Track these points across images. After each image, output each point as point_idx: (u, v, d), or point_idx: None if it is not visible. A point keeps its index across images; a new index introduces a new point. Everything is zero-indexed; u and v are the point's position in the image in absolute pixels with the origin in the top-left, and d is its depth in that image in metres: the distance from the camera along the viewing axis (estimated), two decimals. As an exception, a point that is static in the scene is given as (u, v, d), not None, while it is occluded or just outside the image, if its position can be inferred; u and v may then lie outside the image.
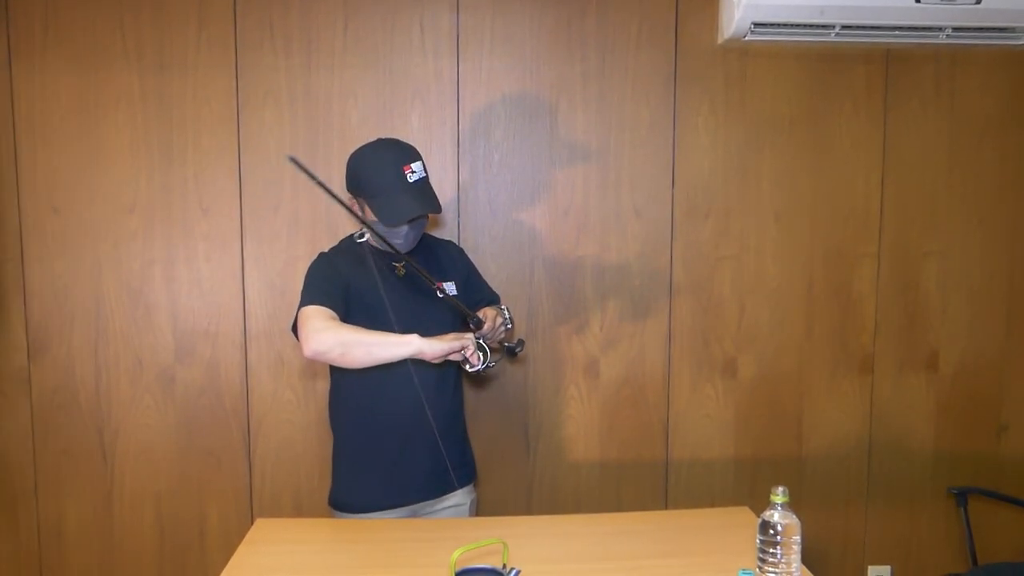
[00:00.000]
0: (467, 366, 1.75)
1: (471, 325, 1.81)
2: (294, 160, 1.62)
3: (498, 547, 1.55)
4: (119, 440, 2.43)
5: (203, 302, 2.42)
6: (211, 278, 2.42)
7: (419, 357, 1.68)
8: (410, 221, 1.80)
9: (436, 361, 1.70)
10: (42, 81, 2.34)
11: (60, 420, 2.42)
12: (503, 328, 1.92)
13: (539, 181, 2.47)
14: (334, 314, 1.74)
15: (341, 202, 1.73)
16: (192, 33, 2.35)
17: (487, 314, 1.86)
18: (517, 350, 1.89)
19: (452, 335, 1.71)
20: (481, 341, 1.77)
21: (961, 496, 2.36)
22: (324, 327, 1.68)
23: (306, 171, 1.61)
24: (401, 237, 1.83)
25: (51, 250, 2.38)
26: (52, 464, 2.43)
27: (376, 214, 1.80)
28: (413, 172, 1.78)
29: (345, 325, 1.72)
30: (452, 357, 1.70)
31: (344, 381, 1.92)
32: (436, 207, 1.81)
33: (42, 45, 2.33)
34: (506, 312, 1.96)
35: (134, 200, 2.39)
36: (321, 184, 1.63)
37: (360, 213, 1.85)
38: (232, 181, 2.40)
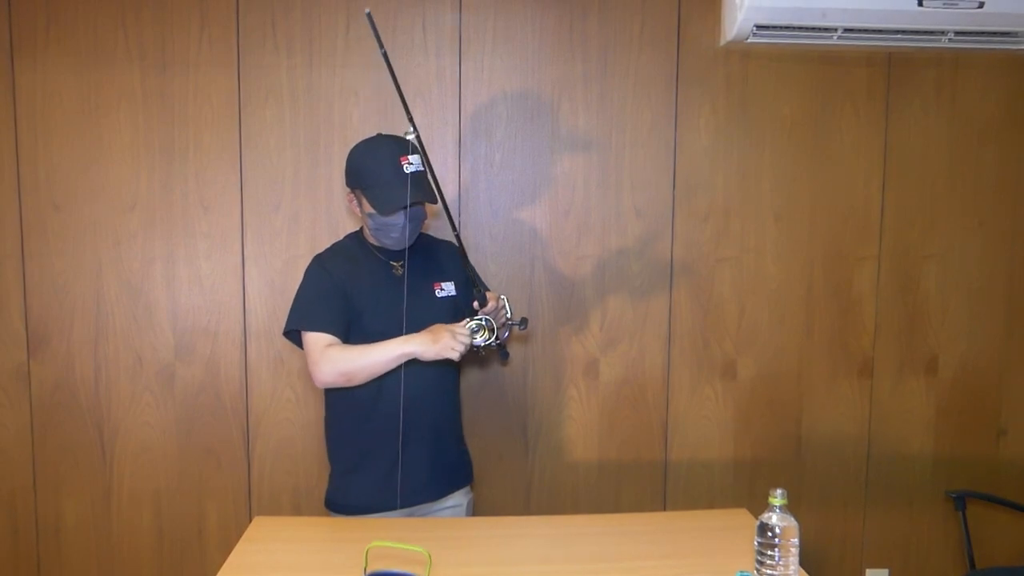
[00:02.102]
0: (472, 342, 1.75)
1: (475, 302, 1.80)
2: (370, 17, 1.67)
3: (423, 557, 1.47)
4: (118, 438, 2.43)
5: (203, 300, 2.42)
6: (211, 276, 2.42)
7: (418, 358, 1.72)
8: (405, 209, 1.79)
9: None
10: (44, 78, 2.34)
11: (59, 417, 2.42)
12: (504, 315, 1.89)
13: (540, 181, 2.47)
14: (333, 339, 1.79)
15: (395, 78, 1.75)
16: (194, 32, 2.36)
17: (489, 296, 1.84)
18: (521, 327, 1.88)
19: (439, 326, 1.74)
20: (488, 318, 1.78)
21: (959, 500, 2.36)
22: (325, 360, 1.76)
23: (377, 35, 1.68)
24: (398, 231, 1.83)
25: (52, 247, 2.38)
26: (51, 461, 2.43)
27: (372, 204, 1.81)
28: (410, 164, 1.79)
29: (342, 352, 1.77)
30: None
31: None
32: (432, 197, 1.81)
33: (44, 43, 2.33)
34: (505, 301, 1.90)
35: (135, 198, 2.39)
36: (386, 57, 1.71)
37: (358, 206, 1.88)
38: (233, 179, 2.40)
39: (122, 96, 2.36)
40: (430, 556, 1.47)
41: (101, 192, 2.38)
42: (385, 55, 1.71)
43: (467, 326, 1.75)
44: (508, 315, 1.91)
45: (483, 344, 1.77)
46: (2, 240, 2.37)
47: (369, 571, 1.43)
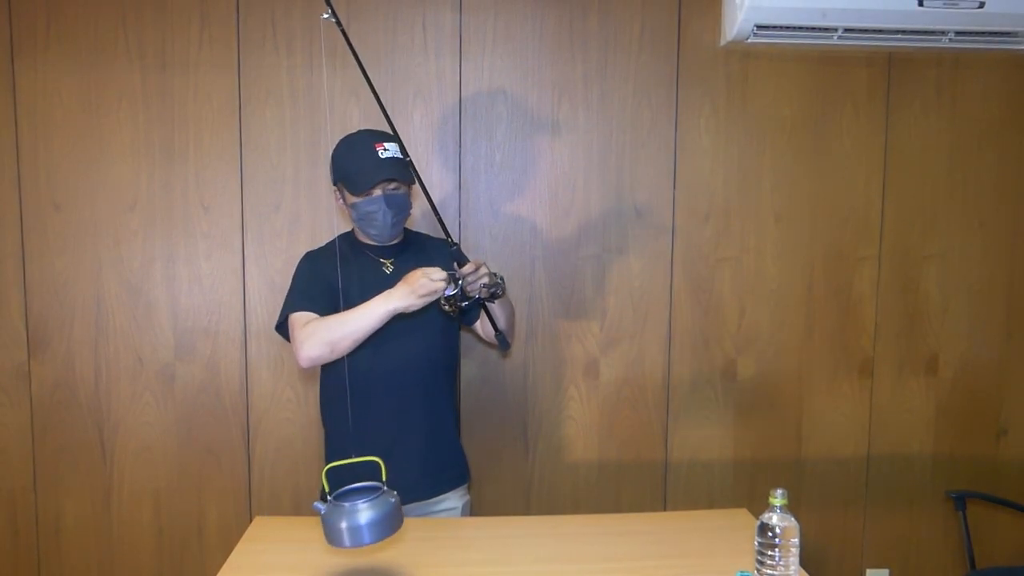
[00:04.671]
0: (440, 297, 1.72)
1: (454, 263, 1.77)
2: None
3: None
4: (118, 437, 2.43)
5: (203, 300, 2.42)
6: (212, 276, 2.42)
7: (401, 312, 1.68)
8: (383, 192, 1.80)
9: (418, 307, 1.69)
10: (44, 78, 2.34)
11: (60, 417, 2.42)
12: (496, 284, 1.81)
13: (540, 181, 2.47)
14: (313, 315, 1.77)
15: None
16: (194, 31, 2.36)
17: (475, 261, 1.79)
18: (497, 291, 1.81)
19: (411, 273, 1.69)
20: (459, 279, 1.73)
21: (960, 500, 2.36)
22: (306, 335, 1.73)
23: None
24: (379, 218, 1.83)
25: (52, 247, 2.38)
26: (51, 461, 2.43)
27: (351, 191, 1.82)
28: (386, 150, 1.81)
29: (321, 322, 1.73)
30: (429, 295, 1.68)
31: (332, 378, 1.92)
32: (408, 177, 1.81)
33: (44, 42, 2.33)
34: (485, 271, 1.81)
35: (135, 198, 2.39)
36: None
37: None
38: (233, 179, 2.40)
39: (122, 96, 2.36)
40: (382, 464, 1.46)
41: (101, 192, 2.38)
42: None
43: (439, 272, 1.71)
44: (499, 281, 1.84)
45: (445, 296, 1.71)
46: (2, 240, 2.37)
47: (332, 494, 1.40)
